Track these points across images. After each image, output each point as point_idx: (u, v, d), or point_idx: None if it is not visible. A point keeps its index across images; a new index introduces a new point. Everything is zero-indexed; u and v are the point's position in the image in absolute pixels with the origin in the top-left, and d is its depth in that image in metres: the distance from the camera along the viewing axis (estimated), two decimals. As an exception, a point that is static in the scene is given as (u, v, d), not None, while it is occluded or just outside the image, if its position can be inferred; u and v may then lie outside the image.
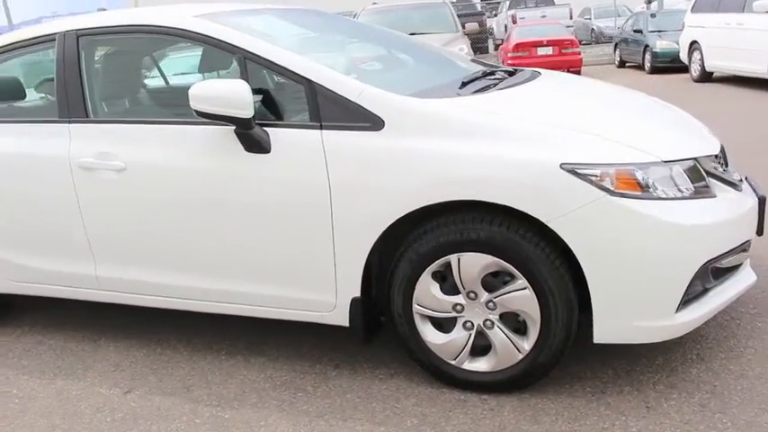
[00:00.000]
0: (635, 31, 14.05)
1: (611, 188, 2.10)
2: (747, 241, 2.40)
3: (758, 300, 2.95)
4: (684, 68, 11.70)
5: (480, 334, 2.38)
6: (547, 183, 2.12)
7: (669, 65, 12.55)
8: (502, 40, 18.14)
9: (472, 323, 2.37)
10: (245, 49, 2.51)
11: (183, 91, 2.49)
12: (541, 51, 13.44)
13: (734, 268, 2.42)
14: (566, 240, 2.14)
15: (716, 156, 2.46)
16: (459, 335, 2.39)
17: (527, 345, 2.31)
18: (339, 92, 2.37)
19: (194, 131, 2.57)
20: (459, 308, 2.37)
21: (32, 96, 3.25)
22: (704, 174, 2.30)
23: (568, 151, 2.14)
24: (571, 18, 21.67)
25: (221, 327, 3.17)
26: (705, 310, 2.26)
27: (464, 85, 2.71)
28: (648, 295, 2.14)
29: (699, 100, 9.09)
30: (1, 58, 3.15)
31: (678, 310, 2.19)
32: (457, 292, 2.35)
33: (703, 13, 10.92)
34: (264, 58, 2.47)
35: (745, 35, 9.63)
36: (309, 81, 2.41)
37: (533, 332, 2.29)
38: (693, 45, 11.11)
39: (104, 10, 3.67)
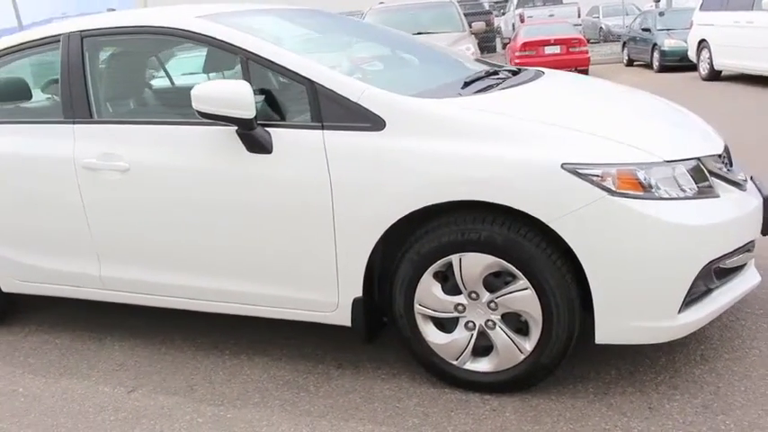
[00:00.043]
0: (643, 29, 13.98)
1: (613, 188, 2.09)
2: (752, 241, 2.39)
3: (763, 300, 2.93)
4: (693, 67, 11.64)
5: (482, 334, 2.37)
6: (548, 183, 2.11)
7: (677, 63, 12.48)
8: (509, 39, 18.10)
9: (474, 323, 2.37)
10: (246, 50, 2.52)
11: (186, 92, 2.50)
12: (549, 50, 13.40)
13: (738, 269, 2.41)
14: (567, 240, 2.13)
15: (720, 155, 2.45)
16: (460, 335, 2.39)
17: (529, 345, 2.30)
18: (340, 92, 2.37)
19: (197, 132, 2.58)
20: (460, 308, 2.37)
21: (39, 97, 3.27)
22: (707, 174, 2.28)
23: (570, 151, 2.13)
24: (579, 17, 21.59)
25: (226, 326, 3.19)
26: (708, 311, 2.25)
27: (466, 84, 2.70)
28: (650, 296, 2.13)
29: (707, 99, 9.04)
30: (8, 59, 3.17)
31: (681, 310, 2.17)
32: (458, 293, 2.35)
33: (712, 12, 10.85)
34: (266, 59, 2.48)
35: (755, 33, 9.56)
36: (311, 81, 2.41)
37: (535, 332, 2.28)
38: (702, 43, 11.04)
39: (114, 10, 3.69)
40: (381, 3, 12.47)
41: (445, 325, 2.43)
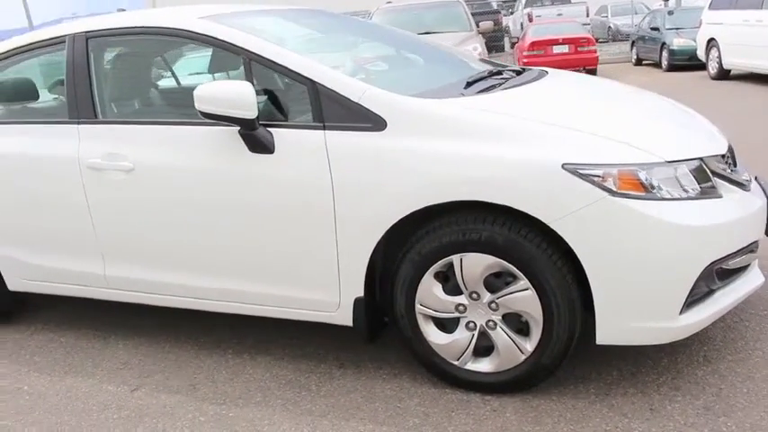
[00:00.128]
0: (652, 28, 13.91)
1: (614, 189, 2.09)
2: (755, 242, 2.38)
3: (767, 301, 2.92)
4: (702, 66, 11.58)
5: (483, 334, 2.37)
6: (548, 183, 2.11)
7: (686, 62, 12.42)
8: (518, 38, 18.06)
9: (475, 324, 2.37)
10: (248, 50, 2.53)
11: (189, 92, 2.51)
12: (557, 50, 13.37)
13: (741, 269, 2.39)
14: (567, 241, 2.13)
15: (723, 155, 2.44)
16: (461, 335, 2.39)
17: (530, 346, 2.30)
18: (342, 92, 2.38)
19: (200, 132, 2.59)
20: (461, 308, 2.37)
21: (47, 97, 3.30)
22: (710, 174, 2.27)
23: (571, 151, 2.13)
24: (588, 16, 21.52)
25: (229, 326, 3.20)
26: (710, 312, 2.24)
27: (469, 85, 2.70)
28: (651, 296, 2.12)
29: (715, 98, 8.98)
30: (15, 60, 3.20)
31: (682, 311, 2.16)
32: (459, 293, 2.35)
33: (721, 10, 10.78)
34: (268, 59, 2.49)
35: (764, 32, 9.50)
36: (312, 82, 2.42)
37: (536, 333, 2.28)
38: (711, 42, 10.98)
39: (123, 10, 3.71)
40: (389, 2, 12.48)
41: (446, 325, 2.43)
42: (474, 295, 2.33)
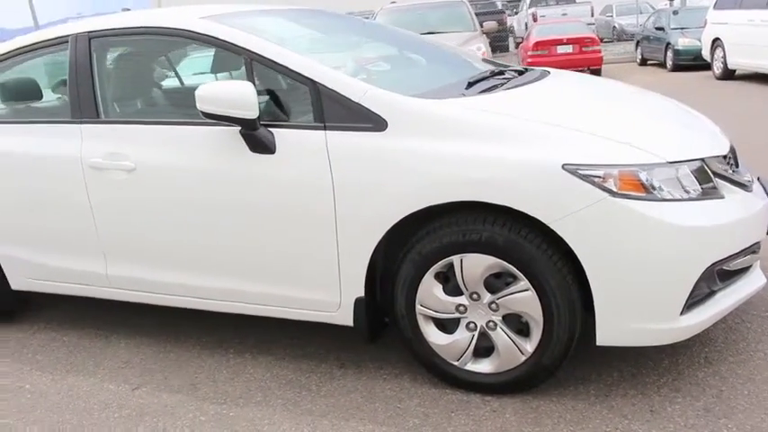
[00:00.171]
0: (657, 28, 13.88)
1: (614, 189, 2.08)
2: (757, 243, 2.37)
3: (770, 303, 2.90)
4: (707, 66, 11.54)
5: (483, 335, 2.37)
6: (549, 184, 2.10)
7: (691, 62, 12.38)
8: (522, 38, 18.03)
9: (475, 324, 2.37)
10: (249, 50, 2.53)
11: (191, 92, 2.52)
12: (561, 50, 13.35)
13: (742, 270, 2.38)
14: (568, 242, 2.13)
15: (725, 156, 2.43)
16: (462, 336, 2.39)
17: (530, 346, 2.30)
18: (343, 92, 2.38)
19: (201, 132, 2.60)
20: (462, 309, 2.37)
21: (50, 97, 3.31)
22: (711, 175, 2.26)
23: (571, 152, 2.13)
24: (592, 16, 21.47)
25: (231, 325, 3.21)
26: (711, 314, 2.23)
27: (470, 85, 2.70)
28: (651, 298, 2.11)
29: (720, 98, 8.95)
30: (19, 60, 3.21)
31: (683, 312, 2.16)
32: (460, 293, 2.35)
33: (726, 10, 10.75)
34: (269, 59, 2.49)
35: (769, 32, 9.46)
36: (313, 82, 2.42)
37: (536, 334, 2.28)
38: (716, 42, 10.94)
39: (128, 10, 3.72)
40: (393, 2, 12.48)
41: (446, 326, 2.43)
42: (474, 296, 2.33)
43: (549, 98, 2.58)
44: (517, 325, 2.33)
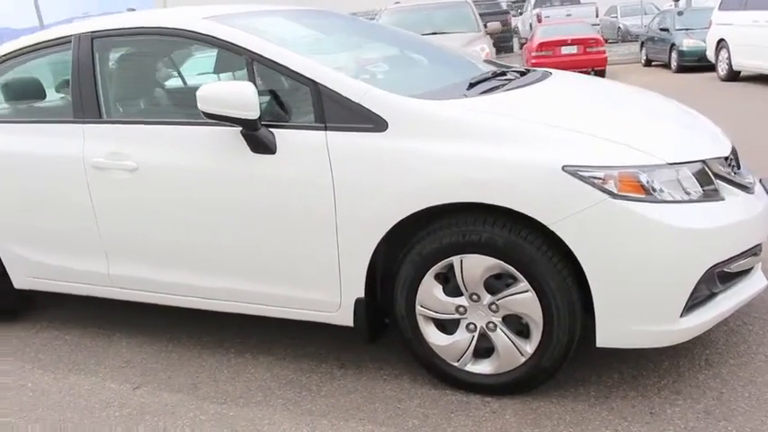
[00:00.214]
0: (661, 29, 13.85)
1: (614, 191, 2.08)
2: (758, 245, 2.36)
3: (772, 305, 2.89)
4: (711, 67, 11.50)
5: (483, 336, 2.37)
6: (549, 185, 2.10)
7: (696, 63, 12.34)
8: (526, 38, 18.02)
9: (475, 325, 2.37)
10: (251, 51, 2.54)
11: (193, 92, 2.52)
12: (565, 50, 13.32)
13: (743, 273, 2.38)
14: (568, 243, 2.12)
15: (726, 158, 2.42)
16: (462, 337, 2.39)
17: (530, 348, 2.30)
18: (343, 93, 2.38)
19: (203, 132, 2.61)
20: (461, 310, 2.37)
21: (54, 96, 3.32)
22: (712, 176, 2.26)
23: (571, 153, 2.12)
24: (597, 16, 21.43)
25: (233, 325, 3.21)
26: (711, 316, 2.22)
27: (472, 86, 2.70)
28: (651, 299, 2.11)
29: (724, 99, 8.93)
30: (22, 60, 3.22)
31: (683, 314, 2.15)
32: (460, 294, 2.35)
33: (731, 11, 10.71)
34: (270, 60, 2.50)
35: (774, 33, 9.43)
36: (314, 82, 2.42)
37: (536, 335, 2.27)
38: (720, 43, 10.91)
39: (134, 10, 3.73)
40: (397, 2, 12.48)
41: (446, 326, 2.43)
42: (474, 297, 2.33)
43: (550, 99, 2.57)
44: (517, 326, 2.33)
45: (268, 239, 2.54)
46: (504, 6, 22.62)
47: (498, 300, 2.30)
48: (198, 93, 2.41)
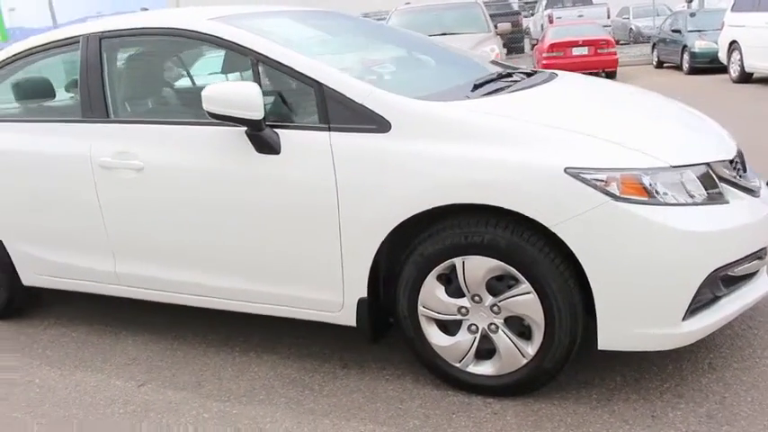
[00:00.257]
0: (673, 30, 13.76)
1: (617, 193, 2.08)
2: (763, 249, 2.34)
3: (778, 309, 2.88)
4: (723, 69, 11.42)
5: (485, 337, 2.37)
6: (551, 187, 2.10)
7: (708, 65, 12.26)
8: (537, 40, 17.97)
9: (477, 326, 2.37)
10: (255, 51, 2.55)
11: (198, 92, 2.54)
12: (576, 51, 13.29)
13: (748, 276, 2.36)
14: (569, 245, 2.12)
15: (731, 161, 2.41)
16: (463, 338, 2.40)
17: (531, 349, 2.30)
18: (347, 94, 2.39)
19: (208, 132, 2.63)
20: (464, 311, 2.37)
21: (63, 96, 3.35)
22: (716, 179, 2.25)
23: (573, 155, 2.12)
24: (609, 18, 21.33)
25: (238, 324, 3.23)
26: (714, 319, 2.21)
27: (476, 87, 2.70)
28: (653, 302, 2.10)
29: (736, 101, 8.86)
30: (31, 60, 3.26)
31: (685, 318, 2.15)
32: (462, 295, 2.36)
33: (744, 12, 10.63)
34: (274, 60, 2.51)
35: (787, 35, 9.35)
36: (318, 83, 2.43)
37: (538, 337, 2.27)
38: (733, 45, 10.83)
39: (146, 9, 3.76)
40: (407, 3, 12.49)
41: (448, 327, 2.44)
42: (476, 298, 2.33)
43: (554, 101, 2.57)
44: (519, 328, 2.33)
45: (272, 239, 2.56)
46: (515, 7, 22.56)
47: (500, 301, 2.30)
48: (203, 93, 2.43)
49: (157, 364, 2.94)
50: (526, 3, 26.36)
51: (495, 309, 2.32)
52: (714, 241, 2.13)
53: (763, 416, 2.17)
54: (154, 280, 2.92)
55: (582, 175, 2.09)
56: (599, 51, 13.18)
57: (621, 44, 20.25)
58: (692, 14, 13.91)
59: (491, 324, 2.34)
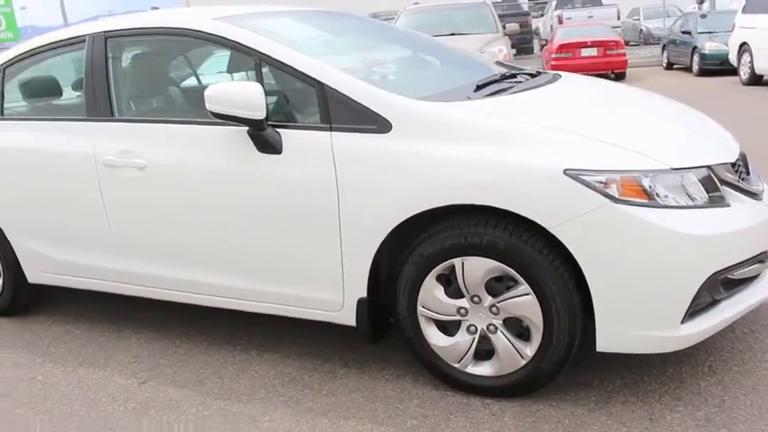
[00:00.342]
0: (683, 32, 13.69)
1: (616, 195, 2.08)
2: (764, 252, 2.33)
3: (781, 313, 2.86)
4: (733, 71, 11.35)
5: (484, 338, 2.38)
6: (550, 188, 2.10)
7: (718, 67, 12.19)
8: (547, 40, 17.92)
9: (476, 327, 2.37)
10: (258, 51, 2.57)
11: (201, 92, 2.56)
12: (585, 52, 13.24)
13: (749, 280, 2.35)
14: (568, 247, 2.12)
15: (734, 164, 2.40)
16: (462, 338, 2.40)
17: (530, 351, 2.30)
18: (348, 94, 2.40)
19: (210, 132, 2.64)
20: (463, 311, 2.37)
21: (70, 95, 3.38)
22: (717, 182, 2.24)
23: (573, 157, 2.12)
24: (619, 19, 21.24)
25: (240, 322, 3.25)
26: (714, 323, 2.21)
27: (479, 88, 2.70)
28: (652, 305, 2.10)
29: (745, 104, 8.81)
30: (37, 59, 3.29)
31: (684, 321, 2.14)
32: (461, 296, 2.36)
33: (755, 14, 10.56)
34: (277, 60, 2.52)
35: (798, 37, 9.28)
36: (320, 83, 2.44)
37: (536, 338, 2.27)
38: (743, 47, 10.76)
39: (157, 8, 3.78)
40: (416, 3, 12.48)
41: (448, 328, 2.44)
42: (475, 299, 2.34)
43: (556, 102, 2.57)
44: (518, 329, 2.33)
45: (273, 238, 2.57)
46: (525, 8, 22.52)
47: (499, 302, 2.30)
48: (206, 92, 2.44)
49: (159, 361, 2.96)
50: (536, 3, 26.28)
51: (494, 310, 2.32)
52: (714, 244, 2.12)
53: (761, 420, 2.16)
54: (156, 278, 2.94)
55: (581, 177, 2.09)
56: (608, 52, 13.13)
57: (631, 45, 20.16)
58: (703, 16, 13.83)
59: (490, 325, 2.35)
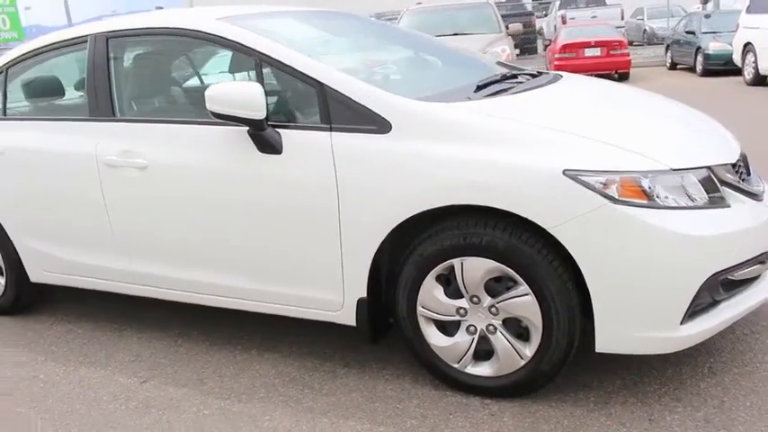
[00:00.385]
0: (687, 32, 13.66)
1: (615, 196, 2.08)
2: (764, 253, 2.33)
3: (782, 314, 2.85)
4: (737, 71, 11.32)
5: (484, 338, 2.38)
6: (549, 189, 2.10)
7: (722, 67, 12.15)
8: (550, 40, 17.90)
9: (475, 327, 2.38)
10: (258, 51, 2.57)
11: (202, 92, 2.57)
12: (589, 52, 13.22)
13: (749, 281, 2.35)
14: (567, 247, 2.12)
15: (734, 164, 2.40)
16: (462, 338, 2.40)
17: (529, 351, 2.30)
18: (348, 94, 2.40)
19: (211, 132, 2.65)
20: (462, 312, 2.38)
21: (73, 95, 3.39)
22: (717, 183, 2.24)
23: (572, 157, 2.12)
24: (622, 19, 21.20)
25: (241, 322, 3.25)
26: (713, 324, 2.20)
27: (479, 88, 2.70)
28: (651, 306, 2.10)
29: (750, 104, 8.78)
30: (39, 59, 3.31)
31: (683, 321, 2.14)
32: (460, 296, 2.36)
33: (759, 14, 10.53)
34: (277, 60, 2.53)
35: (802, 37, 9.25)
36: (320, 83, 2.45)
37: (535, 338, 2.27)
38: (747, 47, 10.73)
39: (161, 8, 3.79)
40: (419, 3, 12.49)
41: (447, 328, 2.44)
42: (475, 299, 2.34)
43: (556, 102, 2.57)
44: (517, 329, 2.33)
45: (273, 238, 2.57)
46: (528, 8, 22.50)
47: (498, 302, 2.30)
48: (206, 93, 2.45)
49: (160, 360, 2.96)
50: (540, 3, 26.25)
51: (494, 310, 2.32)
52: (714, 245, 2.12)
53: (761, 421, 2.16)
54: (157, 278, 2.95)
55: (581, 178, 2.09)
56: (611, 52, 13.11)
57: (635, 45, 20.14)
58: (707, 16, 13.80)
59: (489, 325, 2.35)
